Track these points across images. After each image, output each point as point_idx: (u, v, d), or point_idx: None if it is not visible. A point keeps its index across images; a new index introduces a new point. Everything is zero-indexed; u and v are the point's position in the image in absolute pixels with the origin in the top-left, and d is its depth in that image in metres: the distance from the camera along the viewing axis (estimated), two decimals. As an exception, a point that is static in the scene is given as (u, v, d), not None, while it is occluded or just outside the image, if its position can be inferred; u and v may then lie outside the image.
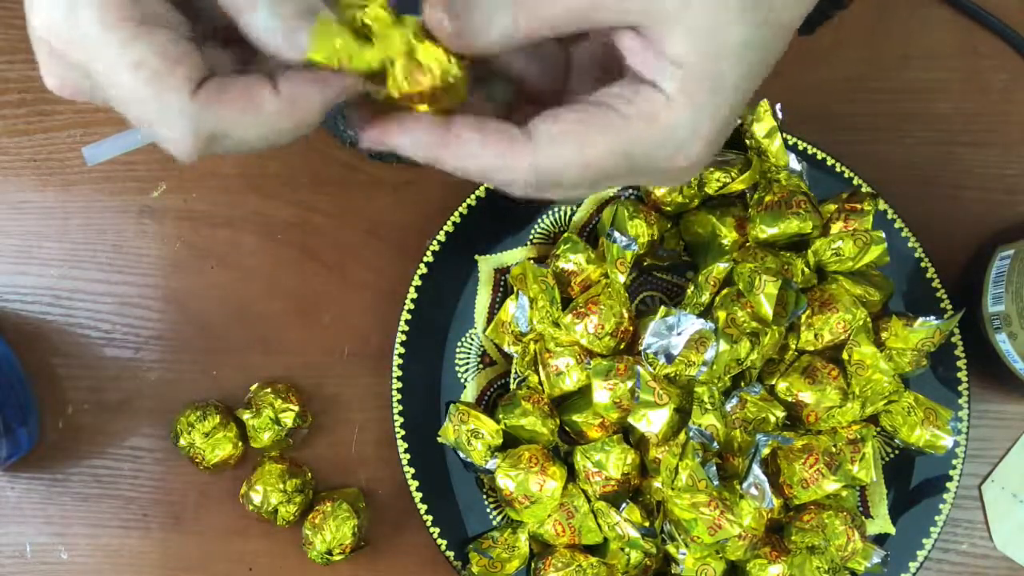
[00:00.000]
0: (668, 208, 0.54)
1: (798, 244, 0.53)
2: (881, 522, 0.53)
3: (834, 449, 0.50)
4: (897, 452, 0.54)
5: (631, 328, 0.52)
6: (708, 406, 0.48)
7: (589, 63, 0.34)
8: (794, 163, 0.53)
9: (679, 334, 0.49)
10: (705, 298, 0.51)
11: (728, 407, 0.50)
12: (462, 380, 0.55)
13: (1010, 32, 0.58)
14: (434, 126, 0.30)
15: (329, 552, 0.53)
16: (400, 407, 0.54)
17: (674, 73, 0.29)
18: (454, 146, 0.30)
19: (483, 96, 0.34)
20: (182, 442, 0.54)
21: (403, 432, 0.53)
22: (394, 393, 0.54)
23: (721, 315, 0.50)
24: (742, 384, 0.52)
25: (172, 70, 0.27)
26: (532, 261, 0.53)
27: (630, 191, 0.56)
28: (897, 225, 0.55)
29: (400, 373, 0.54)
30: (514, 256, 0.56)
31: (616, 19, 0.29)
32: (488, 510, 0.54)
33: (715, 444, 0.48)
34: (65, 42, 0.28)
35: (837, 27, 0.59)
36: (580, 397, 0.53)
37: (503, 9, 0.29)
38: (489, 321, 0.55)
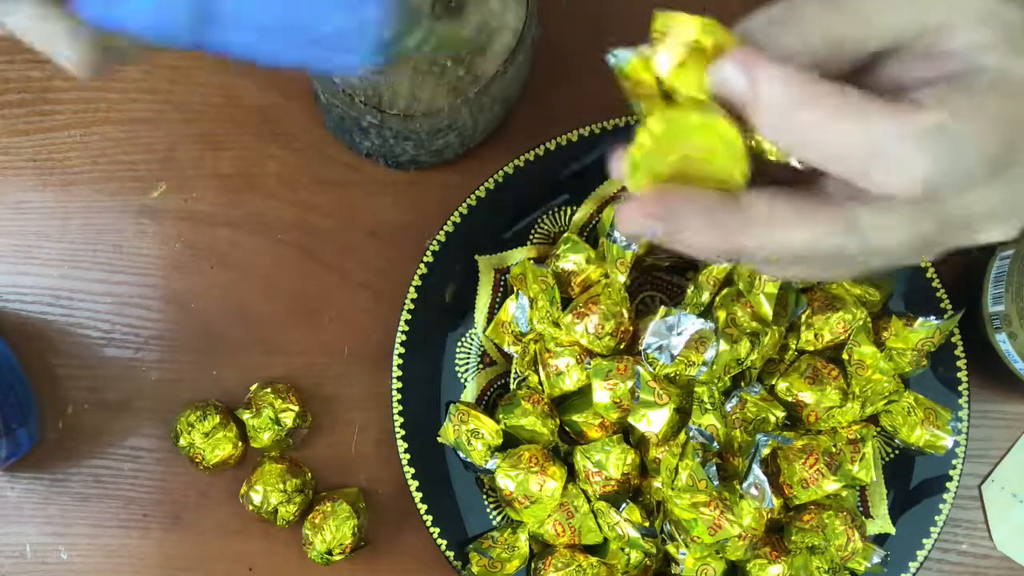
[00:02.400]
0: (668, 208, 0.54)
1: (798, 244, 0.53)
2: (881, 522, 0.53)
3: (834, 449, 0.50)
4: (897, 452, 0.54)
5: (631, 328, 0.52)
6: (708, 406, 0.48)
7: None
8: (794, 163, 0.53)
9: (679, 334, 0.49)
10: (705, 298, 0.52)
11: (728, 407, 0.50)
12: (462, 380, 0.55)
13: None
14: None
15: (329, 552, 0.53)
16: (400, 407, 0.54)
17: (981, 51, 0.26)
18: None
19: None
20: (182, 442, 0.54)
21: (403, 432, 0.53)
22: (394, 393, 0.54)
23: (721, 315, 0.50)
24: (742, 384, 0.52)
25: None
26: (532, 261, 0.53)
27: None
28: (897, 225, 0.55)
29: (400, 373, 0.54)
30: (514, 256, 0.56)
31: (878, 41, 0.27)
32: (488, 510, 0.54)
33: (715, 444, 0.48)
34: None
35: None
36: (580, 397, 0.53)
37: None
38: (489, 321, 0.55)
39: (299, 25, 0.25)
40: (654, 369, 0.49)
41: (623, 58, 0.27)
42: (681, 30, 0.26)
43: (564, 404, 0.54)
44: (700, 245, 0.26)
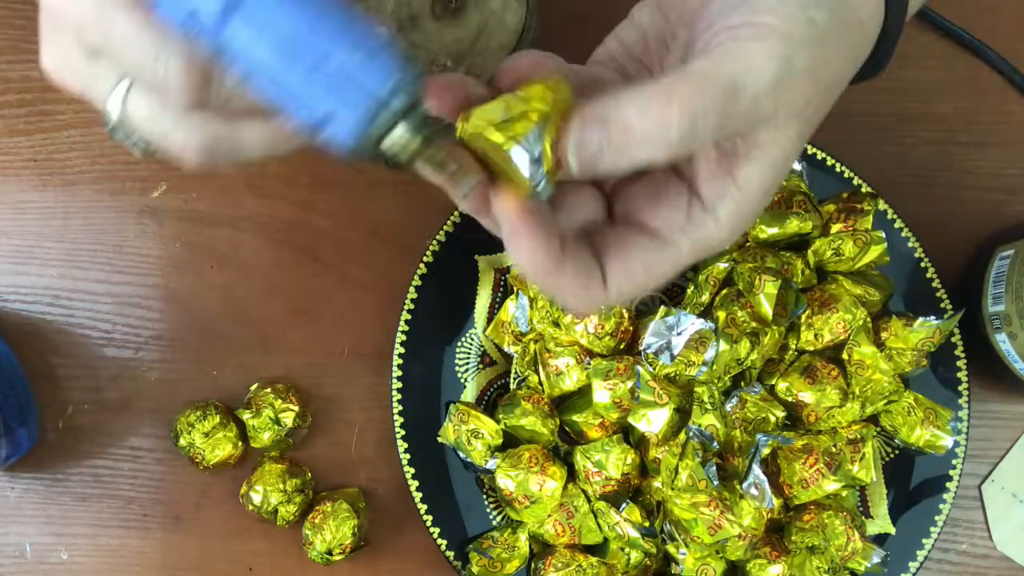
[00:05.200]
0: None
1: (798, 244, 0.53)
2: (881, 522, 0.53)
3: (834, 449, 0.50)
4: (897, 452, 0.54)
5: (631, 328, 0.52)
6: (708, 406, 0.48)
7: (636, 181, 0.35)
8: (794, 163, 0.53)
9: (679, 334, 0.49)
10: (705, 298, 0.51)
11: (728, 407, 0.50)
12: (462, 380, 0.55)
13: (1008, 68, 0.59)
14: (552, 255, 0.30)
15: (329, 552, 0.53)
16: (400, 407, 0.54)
17: (735, 196, 0.31)
18: (558, 279, 0.31)
19: None
20: (182, 442, 0.54)
21: (403, 432, 0.53)
22: (394, 393, 0.54)
23: (721, 315, 0.50)
24: (742, 384, 0.52)
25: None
26: (532, 261, 0.53)
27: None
28: (897, 225, 0.55)
29: (400, 373, 0.54)
30: (514, 256, 0.56)
31: (727, 135, 0.30)
32: (488, 510, 0.54)
33: (715, 444, 0.48)
34: (82, 14, 0.29)
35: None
36: (580, 397, 0.53)
37: (651, 147, 0.29)
38: (489, 321, 0.55)
39: (320, 41, 0.26)
40: (654, 369, 0.49)
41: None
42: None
43: (564, 404, 0.54)
44: (524, 268, 0.31)
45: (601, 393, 0.50)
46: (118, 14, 0.28)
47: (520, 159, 0.28)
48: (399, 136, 0.27)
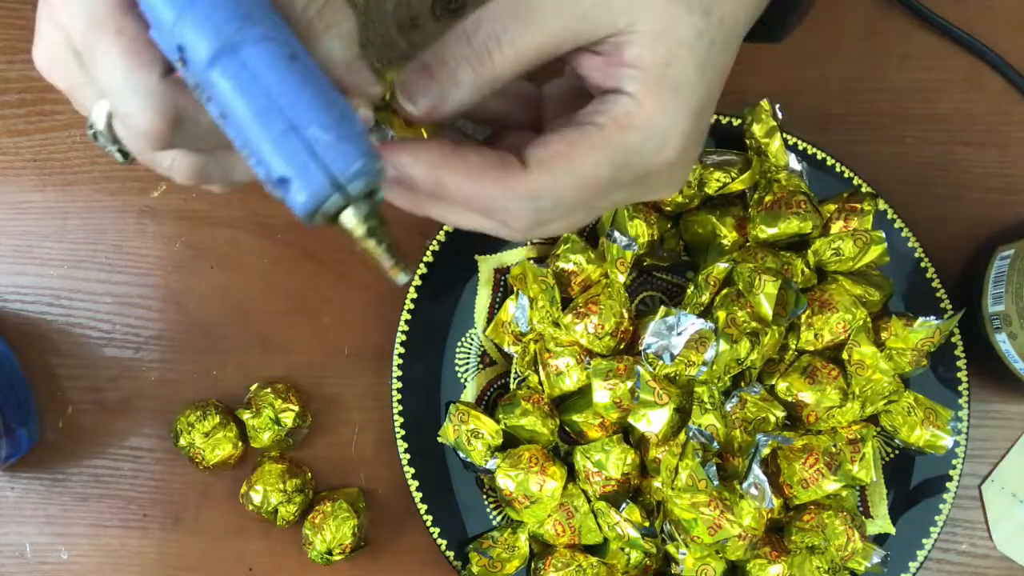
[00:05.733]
0: (668, 208, 0.54)
1: (798, 244, 0.53)
2: (881, 522, 0.53)
3: (834, 449, 0.50)
4: (897, 452, 0.54)
5: (631, 328, 0.52)
6: (708, 406, 0.48)
7: (560, 94, 0.36)
8: (794, 163, 0.53)
9: (679, 334, 0.49)
10: (705, 298, 0.51)
11: (728, 407, 0.50)
12: (462, 380, 0.55)
13: (1008, 68, 0.59)
14: (440, 146, 0.31)
15: (329, 552, 0.53)
16: (400, 407, 0.54)
17: (634, 75, 0.31)
18: (460, 169, 0.31)
19: (460, 134, 0.36)
20: (182, 442, 0.54)
21: (403, 432, 0.53)
22: (394, 393, 0.54)
23: (721, 315, 0.50)
24: (742, 384, 0.52)
25: (147, 48, 0.28)
26: (532, 261, 0.53)
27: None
28: (897, 225, 0.55)
29: (400, 373, 0.54)
30: (514, 256, 0.56)
31: (571, 44, 0.31)
32: (488, 510, 0.54)
33: (715, 444, 0.48)
34: (73, 21, 0.29)
35: (836, 27, 0.59)
36: (580, 397, 0.53)
37: (464, 71, 0.31)
38: (489, 321, 0.55)
39: (293, 109, 0.26)
40: (654, 369, 0.49)
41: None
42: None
43: (564, 404, 0.54)
44: (418, 174, 0.32)
45: (601, 393, 0.50)
46: (101, 36, 0.28)
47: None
48: (347, 219, 0.28)
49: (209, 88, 0.27)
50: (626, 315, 0.52)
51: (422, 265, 0.54)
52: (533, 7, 0.30)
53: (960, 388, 0.54)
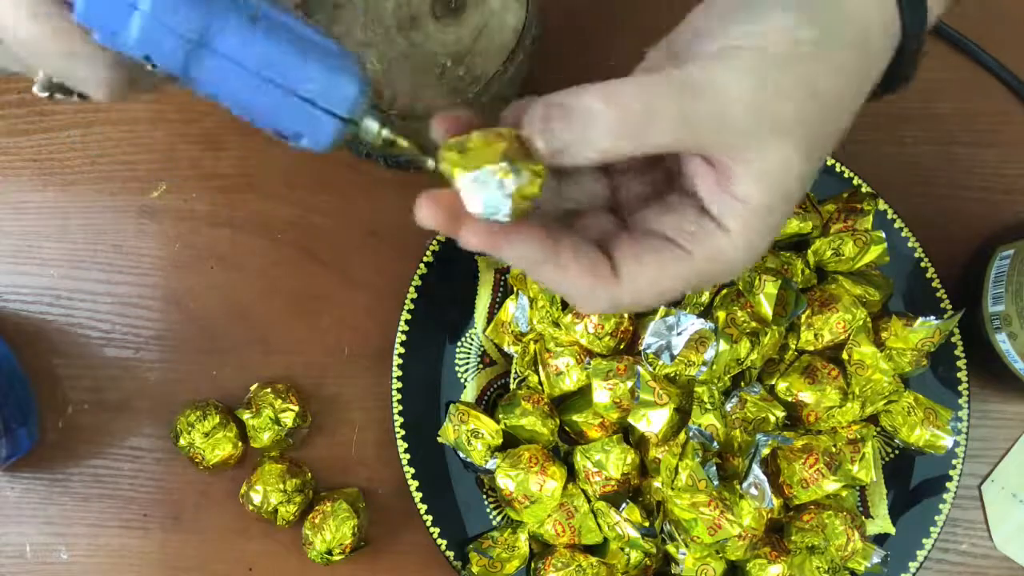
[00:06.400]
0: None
1: (798, 244, 0.53)
2: (881, 522, 0.53)
3: (834, 449, 0.50)
4: (897, 452, 0.54)
5: (631, 328, 0.52)
6: (708, 406, 0.48)
7: (640, 195, 0.36)
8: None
9: (679, 334, 0.49)
10: (705, 298, 0.51)
11: (728, 407, 0.50)
12: (462, 380, 0.55)
13: (1006, 73, 0.59)
14: (544, 247, 0.31)
15: (329, 552, 0.53)
16: (400, 407, 0.54)
17: (738, 213, 0.31)
18: (553, 268, 0.31)
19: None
20: (182, 442, 0.54)
21: (403, 432, 0.53)
22: (394, 393, 0.54)
23: (721, 315, 0.50)
24: (742, 384, 0.52)
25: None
26: (532, 261, 0.53)
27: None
28: (897, 225, 0.55)
29: (400, 373, 0.54)
30: (514, 256, 0.56)
31: (695, 148, 0.31)
32: (488, 510, 0.54)
33: (715, 444, 0.48)
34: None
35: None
36: (580, 397, 0.53)
37: (604, 136, 0.30)
38: (489, 321, 0.55)
39: (282, 77, 0.27)
40: (654, 369, 0.49)
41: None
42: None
43: (564, 404, 0.54)
44: (516, 263, 0.32)
45: (601, 393, 0.50)
46: (20, 22, 0.28)
47: (465, 185, 0.29)
48: (365, 135, 0.29)
49: (189, 82, 0.27)
50: (626, 315, 0.52)
51: (422, 265, 0.54)
52: (698, 106, 0.30)
53: (960, 388, 0.54)
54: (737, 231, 0.32)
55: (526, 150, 0.30)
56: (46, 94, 0.32)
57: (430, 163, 0.30)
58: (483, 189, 0.29)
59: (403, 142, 0.30)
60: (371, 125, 0.29)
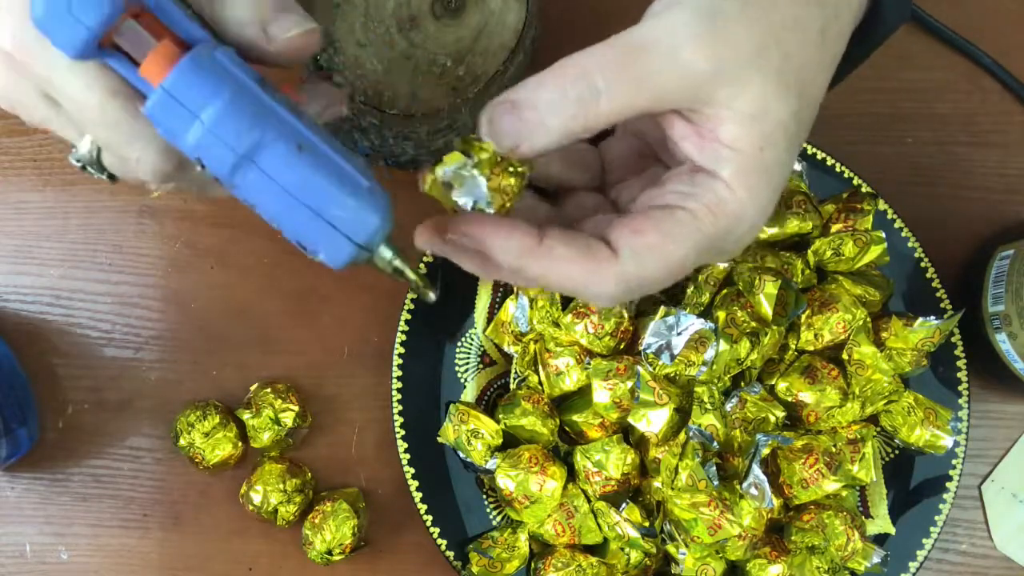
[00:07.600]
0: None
1: (798, 244, 0.53)
2: (881, 522, 0.53)
3: (834, 449, 0.50)
4: (897, 452, 0.54)
5: (631, 328, 0.52)
6: (708, 406, 0.48)
7: (623, 156, 0.36)
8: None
9: (679, 334, 0.49)
10: (705, 298, 0.51)
11: (728, 407, 0.50)
12: (462, 380, 0.55)
13: (1008, 76, 0.59)
14: (528, 235, 0.31)
15: (329, 552, 0.53)
16: (400, 407, 0.54)
17: (729, 157, 0.30)
18: (544, 258, 0.31)
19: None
20: (182, 442, 0.54)
21: (403, 432, 0.53)
22: (394, 393, 0.54)
23: (721, 315, 0.50)
24: (742, 384, 0.52)
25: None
26: (532, 261, 0.53)
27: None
28: (897, 225, 0.55)
29: (400, 373, 0.54)
30: (514, 256, 0.56)
31: (669, 107, 0.30)
32: (488, 510, 0.54)
33: (715, 444, 0.48)
34: (32, 57, 0.29)
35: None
36: (580, 397, 0.53)
37: (554, 118, 0.30)
38: (489, 321, 0.55)
39: (314, 201, 0.30)
40: (654, 369, 0.49)
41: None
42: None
43: (564, 404, 0.54)
44: (503, 259, 0.32)
45: (601, 393, 0.50)
46: (94, 90, 0.29)
47: (444, 181, 0.33)
48: (377, 262, 0.32)
49: (231, 188, 0.30)
50: (626, 315, 0.52)
51: (422, 265, 0.54)
52: (644, 64, 0.29)
53: (960, 388, 0.54)
54: (732, 176, 0.31)
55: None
56: (79, 164, 0.35)
57: (431, 295, 0.34)
58: (457, 179, 0.33)
59: (411, 274, 0.32)
60: (385, 253, 0.31)
